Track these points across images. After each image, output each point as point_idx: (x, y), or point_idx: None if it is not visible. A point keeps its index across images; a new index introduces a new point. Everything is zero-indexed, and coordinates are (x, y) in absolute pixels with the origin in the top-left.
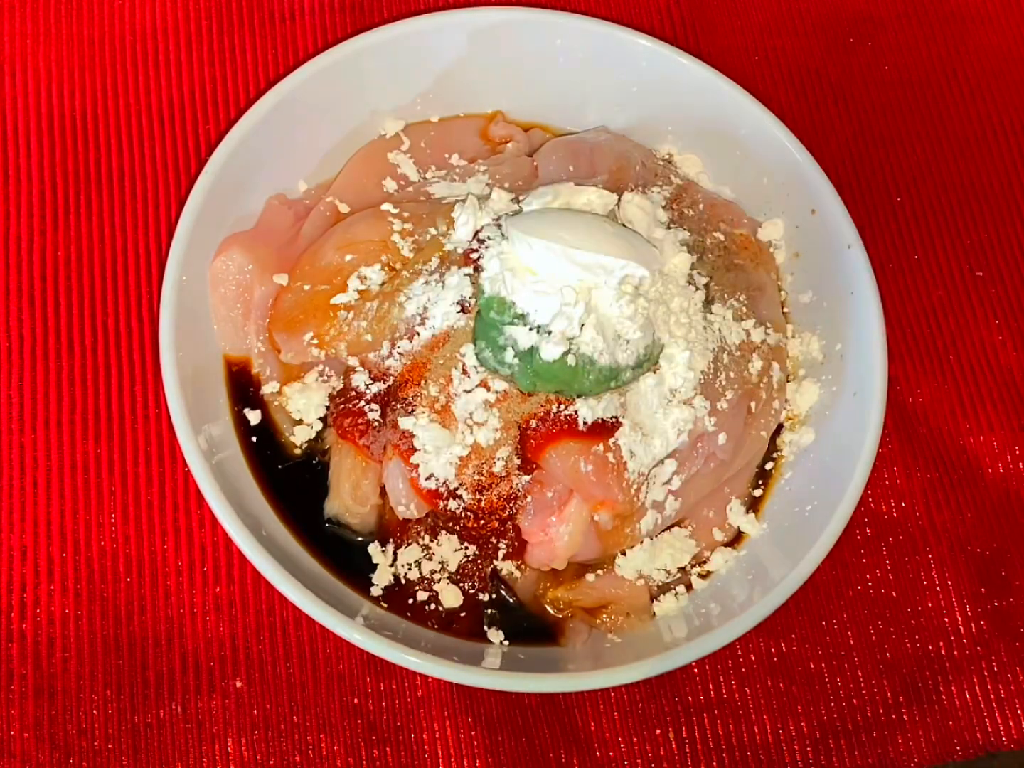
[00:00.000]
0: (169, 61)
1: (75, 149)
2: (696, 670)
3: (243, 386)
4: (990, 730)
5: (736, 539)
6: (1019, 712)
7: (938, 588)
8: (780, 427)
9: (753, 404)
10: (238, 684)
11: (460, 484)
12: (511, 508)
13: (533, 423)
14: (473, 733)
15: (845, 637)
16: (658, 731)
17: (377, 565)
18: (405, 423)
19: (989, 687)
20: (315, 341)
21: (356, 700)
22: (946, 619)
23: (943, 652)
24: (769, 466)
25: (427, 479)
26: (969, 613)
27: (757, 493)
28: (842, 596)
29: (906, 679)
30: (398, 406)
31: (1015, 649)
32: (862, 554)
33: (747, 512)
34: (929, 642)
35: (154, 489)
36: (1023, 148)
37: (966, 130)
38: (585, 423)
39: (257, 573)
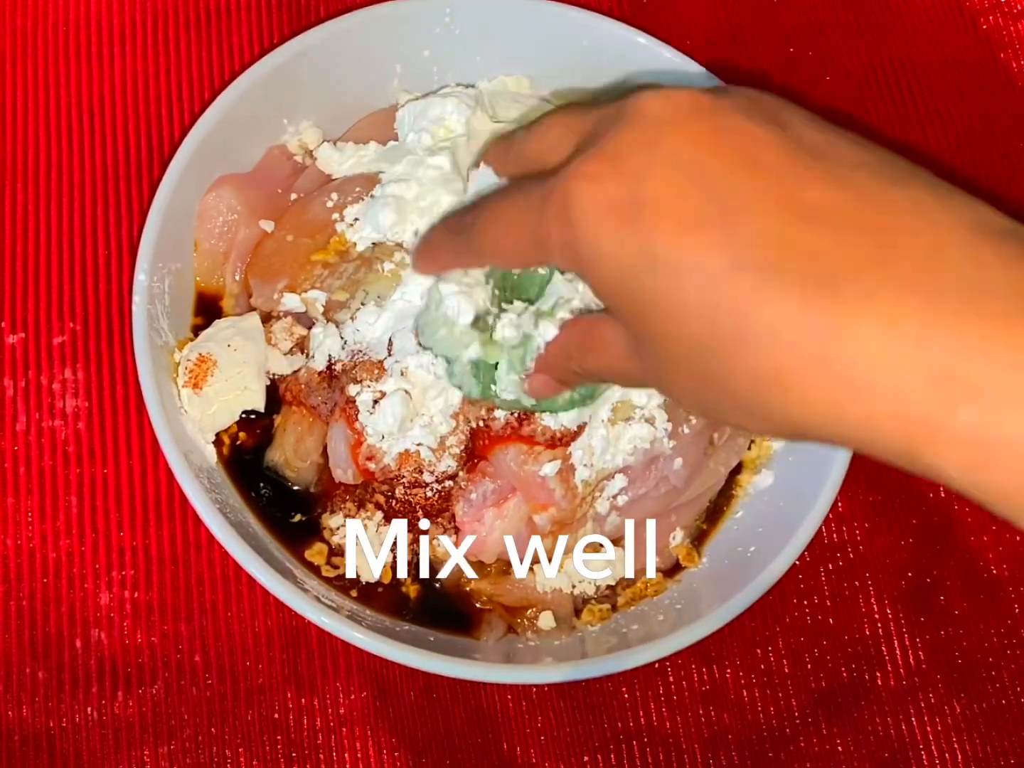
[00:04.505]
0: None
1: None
2: (626, 695)
3: (211, 319)
4: (926, 763)
5: (674, 568)
6: (955, 746)
7: (876, 616)
8: (740, 465)
9: (716, 435)
10: (155, 691)
11: (400, 468)
12: (447, 494)
13: (485, 423)
14: (397, 754)
15: (780, 665)
16: (585, 757)
17: (306, 526)
18: (353, 392)
19: (926, 719)
20: (286, 291)
21: (276, 715)
22: (884, 648)
23: (879, 683)
24: (722, 502)
25: (368, 459)
26: (907, 643)
27: (705, 526)
28: (779, 622)
29: (841, 709)
30: (351, 379)
31: (952, 680)
32: (800, 579)
33: (691, 544)
34: (866, 672)
35: (72, 490)
36: (964, 159)
37: (908, 139)
38: (544, 434)
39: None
